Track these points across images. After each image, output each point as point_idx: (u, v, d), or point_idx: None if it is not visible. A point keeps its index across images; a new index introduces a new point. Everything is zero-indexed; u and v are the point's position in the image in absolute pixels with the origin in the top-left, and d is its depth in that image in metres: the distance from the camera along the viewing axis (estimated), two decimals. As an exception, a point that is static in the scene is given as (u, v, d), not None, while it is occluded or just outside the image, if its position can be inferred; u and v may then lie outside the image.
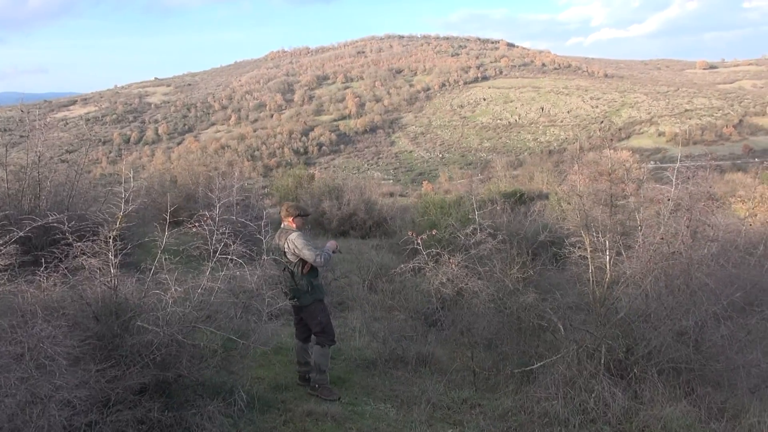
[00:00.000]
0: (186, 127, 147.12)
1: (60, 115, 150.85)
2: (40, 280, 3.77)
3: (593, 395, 4.73)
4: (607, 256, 5.65)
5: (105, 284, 4.02)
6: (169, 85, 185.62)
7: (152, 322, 3.74)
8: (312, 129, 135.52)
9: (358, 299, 9.57)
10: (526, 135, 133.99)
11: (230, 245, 4.65)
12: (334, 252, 5.63)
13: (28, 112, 12.17)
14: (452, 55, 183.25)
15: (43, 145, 10.40)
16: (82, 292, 3.90)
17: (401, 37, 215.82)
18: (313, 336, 5.55)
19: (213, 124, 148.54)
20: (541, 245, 10.62)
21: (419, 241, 5.39)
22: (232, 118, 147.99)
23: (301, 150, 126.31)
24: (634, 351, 5.11)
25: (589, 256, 5.68)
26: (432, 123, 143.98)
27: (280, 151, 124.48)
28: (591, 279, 5.65)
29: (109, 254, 4.13)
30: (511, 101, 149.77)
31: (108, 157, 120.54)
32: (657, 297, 5.27)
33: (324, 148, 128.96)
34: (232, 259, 4.67)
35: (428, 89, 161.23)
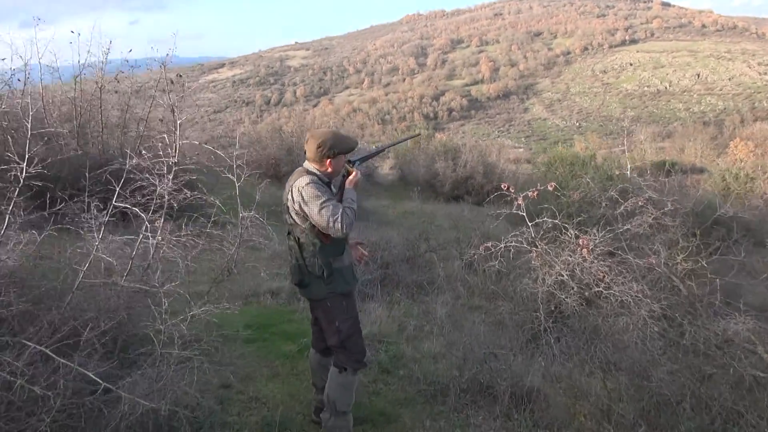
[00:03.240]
0: (322, 90, 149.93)
1: (210, 77, 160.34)
2: None
3: None
4: None
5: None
6: (308, 49, 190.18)
7: None
8: (443, 94, 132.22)
9: (452, 280, 7.36)
10: (677, 104, 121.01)
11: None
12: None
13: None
14: (598, 16, 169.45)
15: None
16: None
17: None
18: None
19: (347, 88, 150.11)
20: (712, 226, 7.74)
21: (520, 201, 3.05)
22: (365, 82, 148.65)
23: (431, 115, 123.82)
24: None
25: None
26: (570, 89, 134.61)
27: (410, 115, 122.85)
28: None
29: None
30: (662, 66, 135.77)
31: (250, 118, 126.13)
32: None
33: (454, 113, 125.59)
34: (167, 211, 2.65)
35: (568, 53, 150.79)
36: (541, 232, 3.23)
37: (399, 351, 4.70)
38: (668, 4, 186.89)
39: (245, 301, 5.82)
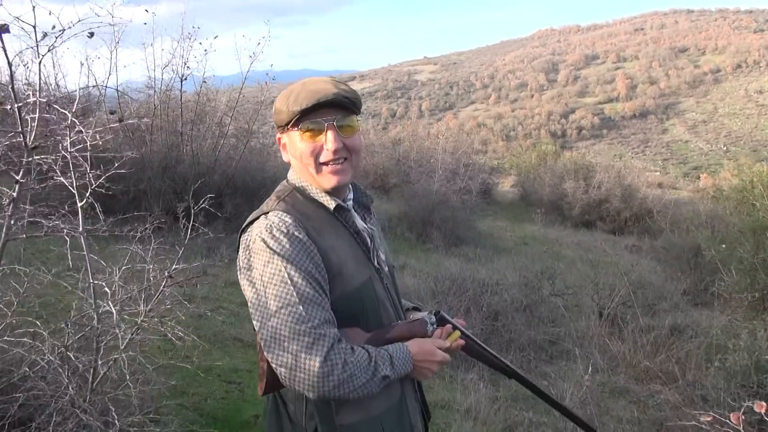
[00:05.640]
0: (447, 104, 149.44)
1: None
2: None
3: None
4: None
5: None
6: (435, 64, 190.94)
7: None
8: (573, 111, 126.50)
9: (585, 343, 5.42)
10: None
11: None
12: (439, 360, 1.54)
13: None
14: (755, 32, 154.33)
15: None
16: None
17: (690, 12, 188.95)
18: None
19: (472, 103, 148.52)
20: None
21: None
22: (492, 98, 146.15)
23: (559, 133, 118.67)
24: None
25: None
26: (718, 110, 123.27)
27: (536, 132, 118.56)
28: None
29: None
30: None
31: (375, 129, 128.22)
32: None
33: (584, 132, 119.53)
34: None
35: (718, 71, 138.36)
36: None
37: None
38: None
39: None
